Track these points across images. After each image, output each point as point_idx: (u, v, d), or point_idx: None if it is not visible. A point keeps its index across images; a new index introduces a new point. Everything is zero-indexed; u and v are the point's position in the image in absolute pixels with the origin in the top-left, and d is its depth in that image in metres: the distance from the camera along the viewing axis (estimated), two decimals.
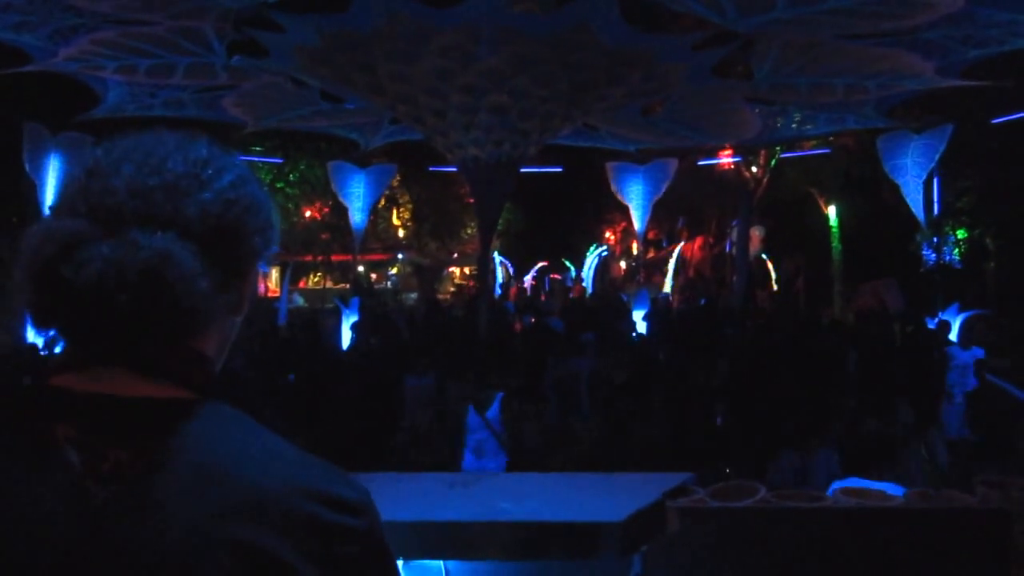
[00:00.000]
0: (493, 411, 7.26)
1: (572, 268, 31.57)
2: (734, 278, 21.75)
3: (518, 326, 16.26)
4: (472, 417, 6.95)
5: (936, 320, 13.13)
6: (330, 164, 18.88)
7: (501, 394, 7.30)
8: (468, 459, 6.91)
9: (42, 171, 15.40)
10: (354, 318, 17.11)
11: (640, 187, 18.35)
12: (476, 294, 21.50)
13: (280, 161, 21.13)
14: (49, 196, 15.59)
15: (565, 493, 2.46)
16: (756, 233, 24.34)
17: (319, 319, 17.34)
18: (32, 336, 14.80)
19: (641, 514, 2.16)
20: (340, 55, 11.48)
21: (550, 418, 8.11)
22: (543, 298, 25.03)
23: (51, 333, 0.96)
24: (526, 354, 11.45)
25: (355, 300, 18.10)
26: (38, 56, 12.11)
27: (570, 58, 11.27)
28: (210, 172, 1.00)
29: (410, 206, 29.56)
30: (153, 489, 0.87)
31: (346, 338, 15.01)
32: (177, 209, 0.96)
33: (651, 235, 27.32)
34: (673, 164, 18.11)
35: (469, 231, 31.15)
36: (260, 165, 21.50)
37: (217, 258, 0.97)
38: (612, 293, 21.03)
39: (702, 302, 18.81)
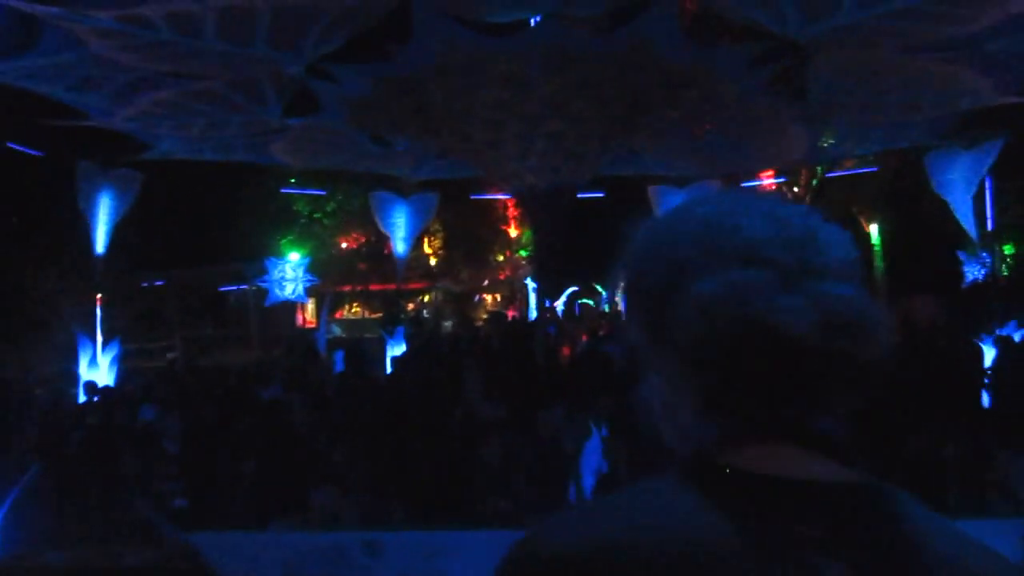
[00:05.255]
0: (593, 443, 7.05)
1: (604, 292, 31.47)
2: None
3: (567, 350, 16.16)
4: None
5: (993, 337, 12.95)
6: (372, 195, 18.95)
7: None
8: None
9: (94, 208, 15.57)
10: (400, 347, 17.13)
11: None
12: (522, 321, 21.46)
13: (323, 193, 21.25)
14: (100, 233, 15.74)
15: None
16: None
17: (363, 349, 17.37)
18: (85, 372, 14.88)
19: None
20: (392, 101, 11.55)
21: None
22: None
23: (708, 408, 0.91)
24: (591, 381, 11.36)
25: (399, 329, 18.12)
26: (95, 113, 12.28)
27: (626, 79, 11.28)
28: (823, 230, 0.95)
29: (441, 233, 29.66)
30: None
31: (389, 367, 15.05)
32: (826, 262, 0.91)
33: None
34: (716, 186, 18.08)
35: (500, 257, 31.22)
36: (299, 197, 21.65)
37: None
38: None
39: None
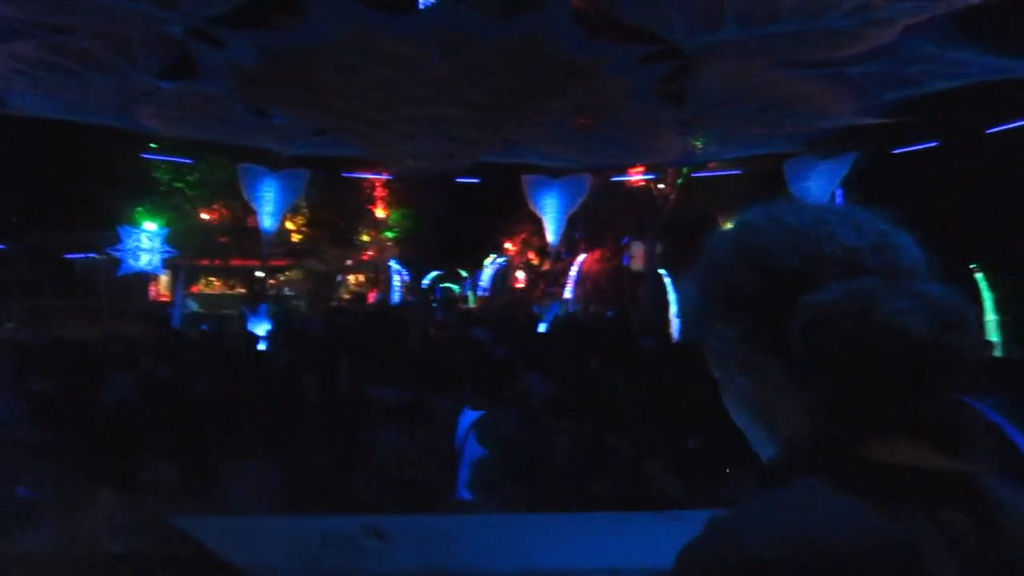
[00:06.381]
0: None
1: (468, 277, 31.61)
2: (640, 292, 22.38)
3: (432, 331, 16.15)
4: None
5: None
6: (240, 167, 18.29)
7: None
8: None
9: None
10: (263, 325, 16.66)
11: (555, 200, 18.67)
12: (393, 304, 21.29)
13: (188, 161, 20.30)
14: None
15: None
16: (639, 250, 25.02)
17: (228, 327, 16.80)
18: None
19: None
20: (278, 73, 11.17)
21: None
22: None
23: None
24: (470, 367, 11.42)
25: (263, 307, 17.61)
26: None
27: (517, 68, 11.35)
28: (894, 233, 1.04)
29: (305, 211, 28.92)
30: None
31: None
32: (907, 264, 1.00)
33: (547, 247, 27.67)
34: (588, 179, 18.52)
35: (365, 238, 30.76)
36: (160, 164, 20.63)
37: None
38: (523, 305, 21.23)
39: (609, 314, 19.28)
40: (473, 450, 6.34)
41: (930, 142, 16.12)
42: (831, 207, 1.08)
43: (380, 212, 30.38)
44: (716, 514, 0.93)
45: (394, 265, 28.07)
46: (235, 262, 25.20)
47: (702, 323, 1.12)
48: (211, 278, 26.72)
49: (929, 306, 0.93)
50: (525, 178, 18.88)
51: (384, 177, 23.67)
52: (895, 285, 0.95)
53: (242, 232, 23.25)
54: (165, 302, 23.06)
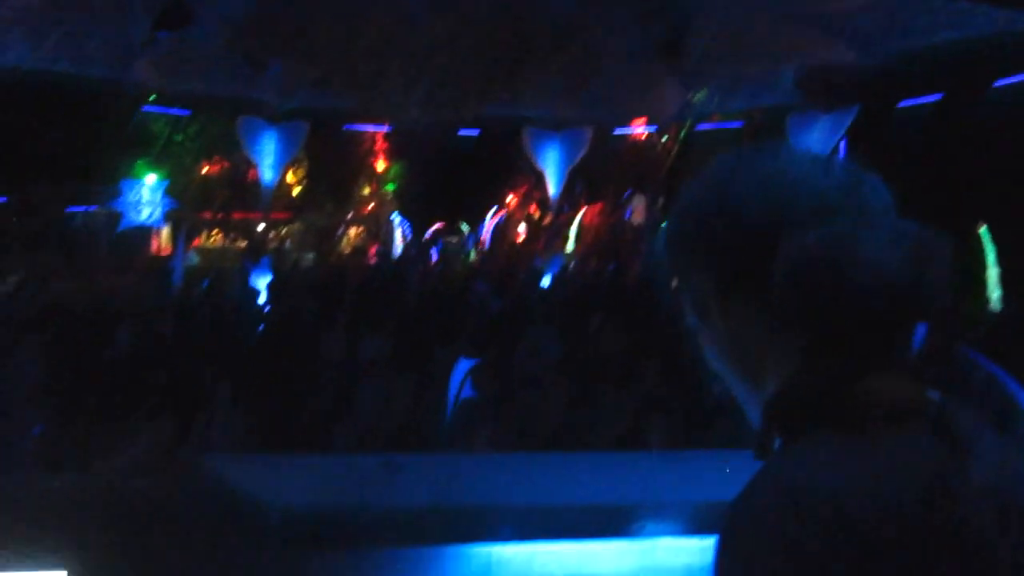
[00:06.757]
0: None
1: (470, 231, 31.47)
2: (640, 245, 22.31)
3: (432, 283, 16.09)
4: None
5: None
6: (239, 119, 18.17)
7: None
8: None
9: None
10: (266, 278, 16.66)
11: (557, 153, 18.59)
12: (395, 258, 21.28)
13: (187, 113, 20.15)
14: None
15: None
16: (640, 203, 24.88)
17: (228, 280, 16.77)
18: None
19: None
20: (274, 23, 11.10)
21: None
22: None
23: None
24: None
25: (265, 259, 17.62)
26: None
27: (516, 21, 11.26)
28: (863, 175, 1.06)
29: (305, 164, 28.72)
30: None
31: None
32: (879, 204, 1.02)
33: (548, 201, 27.47)
34: (589, 132, 18.40)
35: (366, 191, 30.60)
36: (157, 117, 20.49)
37: None
38: (525, 259, 21.19)
39: (611, 267, 19.23)
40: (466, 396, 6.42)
41: (935, 94, 15.93)
42: (798, 152, 1.10)
43: (381, 165, 30.15)
44: (770, 474, 0.94)
45: (395, 219, 27.95)
46: (237, 215, 25.09)
47: (677, 272, 1.12)
48: (213, 231, 26.62)
49: (906, 242, 0.95)
50: (525, 131, 18.77)
51: (385, 130, 23.50)
52: (872, 224, 0.97)
53: (243, 185, 23.16)
54: (167, 256, 23.01)
